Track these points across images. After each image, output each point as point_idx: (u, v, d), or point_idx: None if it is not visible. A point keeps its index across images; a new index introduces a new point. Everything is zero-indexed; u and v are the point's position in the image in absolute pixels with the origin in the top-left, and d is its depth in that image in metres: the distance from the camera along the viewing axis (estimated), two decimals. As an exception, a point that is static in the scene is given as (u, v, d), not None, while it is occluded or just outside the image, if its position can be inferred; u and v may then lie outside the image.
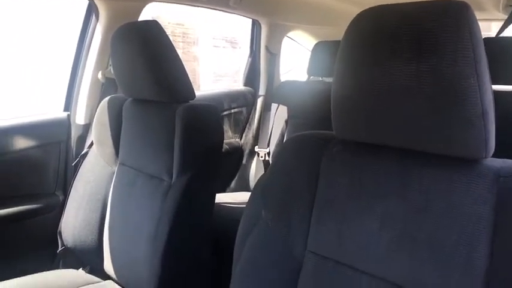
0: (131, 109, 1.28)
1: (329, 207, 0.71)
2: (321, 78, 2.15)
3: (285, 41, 2.39)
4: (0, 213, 1.36)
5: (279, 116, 2.14)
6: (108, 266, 1.27)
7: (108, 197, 1.30)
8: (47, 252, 1.41)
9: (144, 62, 1.13)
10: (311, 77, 2.17)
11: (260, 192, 0.82)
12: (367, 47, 0.63)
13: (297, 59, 2.74)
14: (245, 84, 2.30)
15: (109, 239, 1.27)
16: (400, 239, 0.63)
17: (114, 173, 1.31)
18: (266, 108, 2.26)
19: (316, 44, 2.07)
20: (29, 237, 1.44)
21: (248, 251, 0.80)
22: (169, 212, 1.08)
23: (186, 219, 1.12)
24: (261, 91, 2.31)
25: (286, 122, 2.08)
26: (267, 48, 2.26)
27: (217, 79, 4.46)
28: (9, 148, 1.40)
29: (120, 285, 1.25)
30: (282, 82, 2.27)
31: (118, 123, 1.31)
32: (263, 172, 2.14)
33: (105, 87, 1.54)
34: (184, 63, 1.19)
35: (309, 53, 2.09)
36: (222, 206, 1.73)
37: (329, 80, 1.95)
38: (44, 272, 1.30)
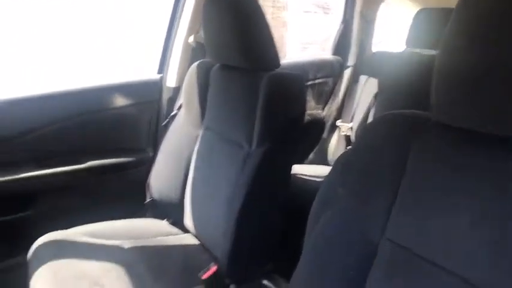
0: (218, 75, 1.31)
1: (415, 196, 0.65)
2: (418, 50, 1.96)
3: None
4: (98, 163, 1.52)
5: (367, 89, 2.02)
6: (187, 221, 1.36)
7: (191, 157, 1.37)
8: (136, 203, 1.55)
9: (233, 27, 1.13)
10: (406, 49, 1.99)
11: (340, 168, 0.79)
12: (492, 19, 0.54)
13: (389, 29, 2.53)
14: (334, 53, 2.20)
15: (190, 196, 1.35)
16: (494, 240, 0.56)
17: (198, 136, 1.37)
18: (354, 79, 2.14)
19: (419, 12, 1.87)
20: (121, 187, 1.60)
21: (322, 227, 0.78)
22: (246, 179, 1.11)
23: (262, 187, 1.14)
24: (350, 61, 2.19)
25: (375, 96, 1.95)
26: (361, 14, 2.12)
27: (304, 46, 4.33)
28: (109, 105, 1.54)
29: (197, 239, 1.34)
30: (375, 52, 2.12)
31: (205, 88, 1.35)
32: (343, 147, 2.08)
33: (195, 52, 1.58)
34: (272, 29, 1.17)
35: (407, 22, 1.90)
36: (298, 178, 1.72)
37: (429, 52, 1.76)
38: (133, 219, 1.44)
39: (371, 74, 2.01)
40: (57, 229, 1.27)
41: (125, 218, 1.42)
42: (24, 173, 1.39)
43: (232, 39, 1.15)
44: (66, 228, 1.28)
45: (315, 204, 0.83)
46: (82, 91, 1.51)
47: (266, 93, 1.10)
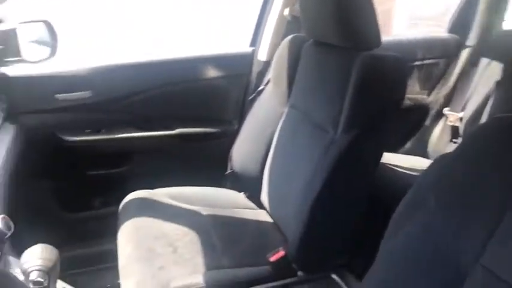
0: (310, 51, 1.23)
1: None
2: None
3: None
4: (186, 131, 1.59)
5: (487, 75, 1.72)
6: (263, 197, 1.36)
7: (274, 134, 1.34)
8: (217, 173, 1.59)
9: (332, 0, 1.03)
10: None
11: (437, 173, 0.67)
12: None
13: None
14: (450, 31, 1.90)
15: (269, 173, 1.34)
16: None
17: (283, 114, 1.33)
18: (472, 62, 1.84)
19: None
20: (206, 156, 1.65)
21: (404, 237, 0.68)
22: (327, 165, 1.03)
23: (343, 176, 1.05)
24: (471, 41, 1.87)
25: (497, 85, 1.65)
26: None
27: (415, 22, 3.86)
28: (201, 76, 1.57)
29: (271, 217, 1.33)
30: (506, 31, 1.78)
31: (295, 64, 1.28)
32: (448, 140, 1.83)
33: (289, 26, 1.51)
34: (378, 2, 1.03)
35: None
36: (388, 168, 1.58)
37: None
38: (213, 188, 1.49)
39: (496, 58, 1.70)
40: (146, 187, 1.37)
41: (206, 185, 1.48)
42: (122, 133, 1.52)
43: (330, 13, 1.05)
44: (154, 188, 1.38)
45: (401, 205, 0.73)
46: (178, 61, 1.57)
47: (358, 76, 0.99)
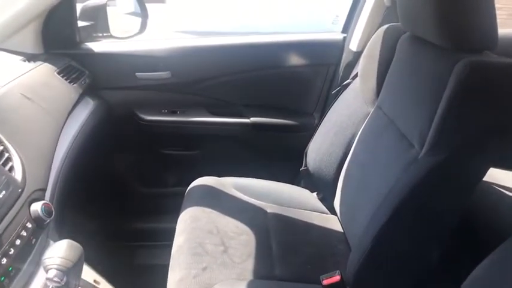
0: (405, 46, 1.02)
1: None
2: None
3: None
4: (263, 120, 1.51)
5: None
6: (336, 203, 1.22)
7: (355, 136, 1.19)
8: (292, 168, 1.49)
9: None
10: None
11: None
12: None
13: None
14: None
15: (344, 178, 1.19)
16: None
17: (368, 115, 1.16)
18: None
19: None
20: (279, 149, 1.56)
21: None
22: (403, 187, 0.85)
23: (422, 203, 0.86)
24: None
25: None
26: None
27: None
28: (284, 63, 1.46)
29: (341, 226, 1.20)
30: None
31: (388, 59, 1.09)
32: None
33: (387, 13, 1.29)
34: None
35: None
36: (492, 188, 1.27)
37: None
38: (284, 184, 1.40)
39: None
40: (215, 173, 1.34)
41: (277, 180, 1.39)
42: (196, 117, 1.50)
43: (431, 3, 0.83)
44: (222, 175, 1.34)
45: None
46: (260, 45, 1.48)
47: (457, 84, 0.76)
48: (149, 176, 1.63)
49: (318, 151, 1.34)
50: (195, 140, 1.56)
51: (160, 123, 1.50)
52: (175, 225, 1.16)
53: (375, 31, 1.18)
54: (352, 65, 1.39)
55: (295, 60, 1.45)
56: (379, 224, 0.87)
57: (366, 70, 1.19)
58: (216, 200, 1.24)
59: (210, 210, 1.19)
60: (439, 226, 0.89)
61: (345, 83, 1.33)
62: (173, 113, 1.51)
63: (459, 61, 0.76)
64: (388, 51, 1.08)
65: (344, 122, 1.25)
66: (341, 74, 1.43)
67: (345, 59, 1.43)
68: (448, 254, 0.94)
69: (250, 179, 1.36)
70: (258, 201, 1.27)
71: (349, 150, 1.20)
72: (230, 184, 1.31)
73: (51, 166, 0.87)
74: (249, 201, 1.26)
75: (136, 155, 1.59)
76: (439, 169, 0.80)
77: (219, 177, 1.33)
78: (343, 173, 1.20)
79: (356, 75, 1.27)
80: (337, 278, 0.95)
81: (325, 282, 0.96)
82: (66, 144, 1.00)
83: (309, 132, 1.44)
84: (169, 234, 1.12)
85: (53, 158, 0.89)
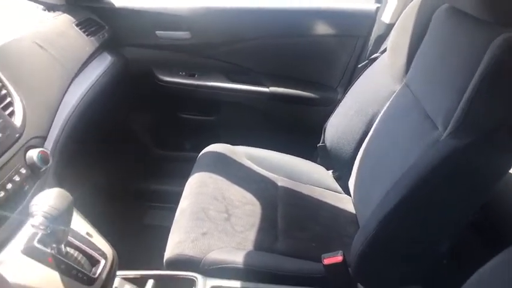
0: (441, 18, 0.92)
1: None
2: None
3: None
4: (282, 91, 1.45)
5: None
6: (351, 183, 1.17)
7: (378, 115, 1.11)
8: (309, 143, 1.42)
9: None
10: None
11: None
12: None
13: None
14: None
15: (361, 158, 1.13)
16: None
17: (394, 93, 1.08)
18: None
19: None
20: (297, 122, 1.50)
21: None
22: (418, 171, 0.78)
23: (440, 187, 0.78)
24: None
25: None
26: None
27: None
28: (309, 31, 1.38)
29: (354, 207, 1.15)
30: None
31: (421, 32, 0.99)
32: None
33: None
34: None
35: None
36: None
37: None
38: (299, 158, 1.35)
39: None
40: (229, 141, 1.30)
41: (292, 154, 1.34)
42: (214, 82, 1.45)
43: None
44: (236, 143, 1.30)
45: None
46: (285, 11, 1.39)
47: (489, 61, 0.67)
48: (163, 138, 1.61)
49: (338, 127, 1.27)
50: (211, 106, 1.52)
51: (178, 85, 1.46)
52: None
53: (410, 2, 1.08)
54: (382, 38, 1.29)
55: (322, 29, 1.36)
56: (388, 206, 0.80)
57: (396, 44, 1.10)
58: (226, 167, 1.21)
59: (218, 177, 1.17)
60: (452, 217, 0.82)
61: (372, 56, 1.24)
62: (191, 76, 1.47)
63: (499, 35, 0.67)
64: (422, 23, 0.99)
65: (368, 99, 1.18)
66: (370, 47, 1.34)
67: (376, 31, 1.33)
68: (460, 246, 0.88)
69: (263, 150, 1.32)
70: (270, 173, 1.23)
71: (370, 129, 1.13)
72: (242, 153, 1.28)
73: (55, 115, 0.86)
74: (260, 173, 1.23)
75: (151, 116, 1.57)
76: (460, 154, 0.73)
77: (233, 145, 1.30)
78: (361, 152, 1.13)
79: (385, 50, 1.17)
80: (339, 258, 0.90)
81: (326, 261, 0.91)
82: (77, 96, 0.99)
83: (330, 107, 1.36)
84: (179, 198, 1.10)
85: (58, 107, 0.88)
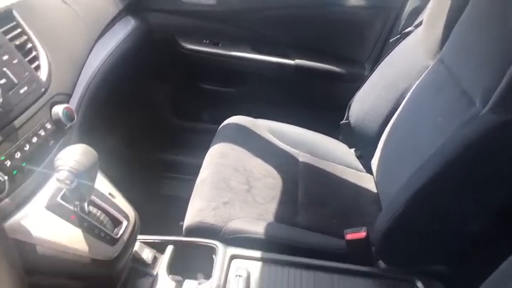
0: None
1: None
2: None
3: None
4: (308, 64, 1.40)
5: None
6: (374, 162, 1.13)
7: (408, 91, 1.07)
8: (331, 119, 1.38)
9: None
10: None
11: None
12: None
13: None
14: None
15: (387, 136, 1.09)
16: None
17: (427, 68, 1.03)
18: None
19: None
20: (321, 97, 1.45)
21: None
22: (457, 144, 0.74)
23: (476, 165, 0.74)
24: None
25: None
26: None
27: None
28: (339, 1, 1.32)
29: (376, 187, 1.12)
30: None
31: (461, 5, 0.93)
32: None
33: None
34: None
35: None
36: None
37: None
38: (322, 135, 1.31)
39: None
40: (250, 113, 1.27)
41: (315, 130, 1.31)
42: (238, 52, 1.41)
43: None
44: (258, 116, 1.28)
45: None
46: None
47: None
48: (182, 109, 1.59)
49: (363, 104, 1.23)
50: (234, 77, 1.48)
51: (200, 54, 1.43)
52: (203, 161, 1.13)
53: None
54: (417, 11, 1.22)
55: (354, 0, 1.30)
56: (417, 184, 0.77)
57: (433, 16, 1.04)
58: (248, 140, 1.18)
59: (239, 148, 1.15)
60: (485, 197, 0.78)
61: (406, 30, 1.18)
62: (215, 44, 1.43)
63: None
64: (464, -6, 0.93)
65: (398, 75, 1.13)
66: (403, 20, 1.27)
67: (411, 3, 1.26)
68: (490, 230, 0.84)
69: (286, 124, 1.28)
70: (291, 148, 1.20)
71: (398, 106, 1.08)
72: (264, 127, 1.25)
73: (79, 74, 0.84)
74: (281, 147, 1.20)
75: (172, 85, 1.54)
76: (500, 130, 0.68)
77: (255, 118, 1.27)
78: (388, 130, 1.09)
79: (420, 23, 1.12)
80: (362, 234, 0.88)
81: (349, 236, 0.89)
82: (100, 58, 0.97)
83: (357, 83, 1.31)
84: (196, 169, 1.09)
85: (82, 67, 0.86)
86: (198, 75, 1.51)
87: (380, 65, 1.21)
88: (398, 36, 1.21)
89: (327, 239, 0.94)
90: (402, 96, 1.08)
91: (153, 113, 1.58)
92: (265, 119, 1.28)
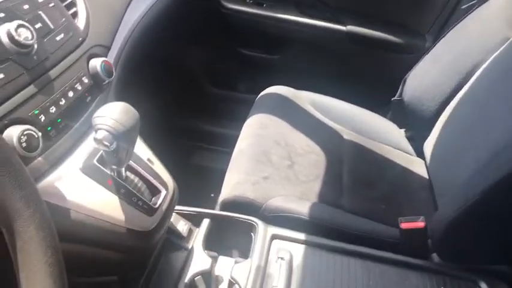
0: None
1: None
2: None
3: None
4: (361, 31, 1.27)
5: None
6: (428, 145, 1.04)
7: (479, 67, 0.95)
8: (382, 95, 1.25)
9: None
10: None
11: None
12: None
13: None
14: None
15: (447, 119, 0.99)
16: None
17: (506, 40, 0.90)
18: None
19: None
20: (374, 69, 1.33)
21: None
22: None
23: None
24: None
25: None
26: None
27: None
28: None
29: (427, 172, 1.02)
30: None
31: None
32: None
33: None
34: None
35: None
36: None
37: None
38: (371, 112, 1.20)
39: None
40: (293, 84, 1.18)
41: (363, 106, 1.20)
42: (284, 14, 1.30)
43: None
44: (300, 88, 1.18)
45: None
46: None
47: None
48: (219, 76, 1.50)
49: (422, 80, 1.10)
50: (277, 43, 1.37)
51: (242, 14, 1.32)
52: (239, 133, 1.06)
53: None
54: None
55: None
56: (498, 174, 0.66)
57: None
58: (289, 112, 1.09)
59: (280, 120, 1.06)
60: None
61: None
62: (259, 5, 1.32)
63: None
64: None
65: (468, 48, 1.00)
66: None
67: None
68: None
69: (331, 98, 1.18)
70: (335, 124, 1.10)
71: (464, 84, 0.96)
72: (307, 99, 1.15)
73: (118, 27, 0.76)
74: (325, 122, 1.10)
75: (210, 50, 1.44)
76: None
77: (297, 89, 1.17)
78: (449, 111, 0.98)
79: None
80: (421, 224, 0.79)
81: (404, 225, 0.80)
82: (138, 13, 0.88)
83: (415, 56, 1.19)
84: (231, 141, 1.01)
85: (121, 20, 0.78)
86: (239, 40, 1.40)
87: (446, 36, 1.08)
88: (474, 2, 1.06)
89: (377, 226, 0.85)
90: (471, 72, 0.96)
91: (188, 79, 1.49)
92: (308, 90, 1.18)
